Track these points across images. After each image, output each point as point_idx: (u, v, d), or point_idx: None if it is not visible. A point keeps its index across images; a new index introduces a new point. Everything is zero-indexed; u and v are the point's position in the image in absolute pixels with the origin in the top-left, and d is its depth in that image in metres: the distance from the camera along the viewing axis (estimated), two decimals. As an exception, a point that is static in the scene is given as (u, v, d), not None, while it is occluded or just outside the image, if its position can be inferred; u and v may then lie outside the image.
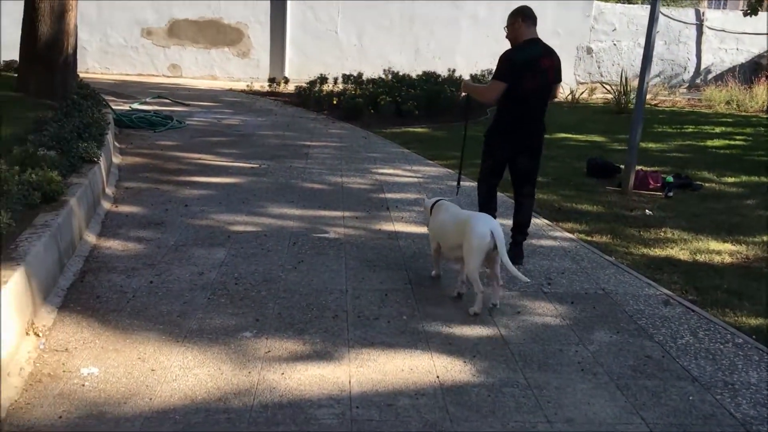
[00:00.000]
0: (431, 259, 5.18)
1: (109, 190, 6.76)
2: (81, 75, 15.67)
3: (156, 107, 12.01)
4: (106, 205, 6.34)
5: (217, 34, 16.10)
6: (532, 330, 4.37)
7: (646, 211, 7.20)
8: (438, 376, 3.73)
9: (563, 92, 15.13)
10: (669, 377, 3.86)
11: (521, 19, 5.30)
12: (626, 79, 14.45)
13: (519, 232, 5.56)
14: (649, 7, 17.89)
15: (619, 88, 14.32)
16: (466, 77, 14.64)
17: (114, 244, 5.43)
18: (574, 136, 11.33)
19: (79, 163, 6.02)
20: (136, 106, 11.92)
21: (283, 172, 8.05)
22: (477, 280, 4.42)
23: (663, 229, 6.63)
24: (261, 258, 5.32)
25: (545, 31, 16.16)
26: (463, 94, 5.72)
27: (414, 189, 7.67)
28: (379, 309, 4.52)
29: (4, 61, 13.01)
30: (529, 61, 5.16)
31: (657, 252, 6.00)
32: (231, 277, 4.90)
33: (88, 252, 5.19)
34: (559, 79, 5.40)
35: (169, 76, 16.05)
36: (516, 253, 5.39)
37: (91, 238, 5.45)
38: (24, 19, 9.46)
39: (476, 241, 4.35)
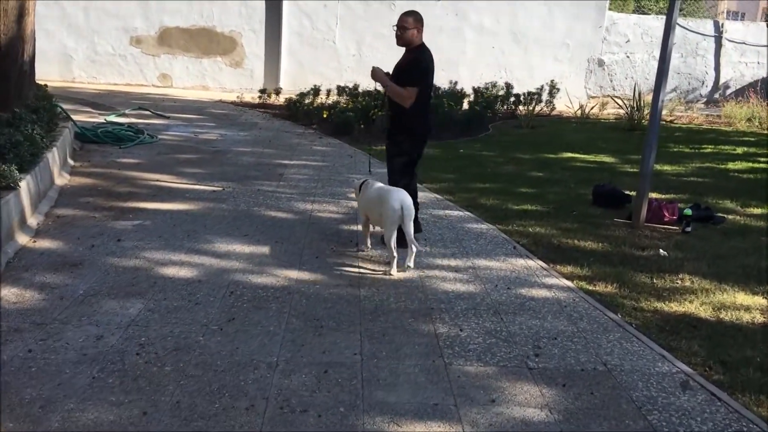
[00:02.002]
0: (360, 236, 5.63)
1: (33, 220, 5.74)
2: (67, 84, 14.85)
3: (134, 120, 11.05)
4: (22, 239, 5.31)
5: (210, 42, 15.14)
6: (507, 429, 3.26)
7: (660, 251, 6.06)
8: None
9: (572, 106, 14.01)
10: None
11: (421, 24, 5.50)
12: (640, 93, 13.30)
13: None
14: (664, 17, 16.74)
15: (631, 102, 13.16)
16: (469, 90, 13.58)
17: (7, 294, 4.39)
18: (582, 156, 10.19)
19: (-16, 191, 4.99)
20: (111, 118, 10.94)
21: (247, 197, 7.00)
22: (391, 246, 5.08)
23: (680, 276, 5.48)
24: (183, 314, 4.26)
25: (554, 43, 15.16)
26: (379, 85, 5.66)
27: (392, 219, 6.57)
28: (312, 395, 3.43)
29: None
30: (432, 68, 5.53)
31: (673, 307, 4.86)
32: (135, 344, 3.84)
33: (-32, 305, 4.16)
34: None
35: (158, 86, 15.11)
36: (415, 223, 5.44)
37: (-19, 285, 4.42)
38: (-25, 24, 8.52)
39: (389, 212, 5.01)
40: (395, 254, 5.10)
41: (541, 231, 6.45)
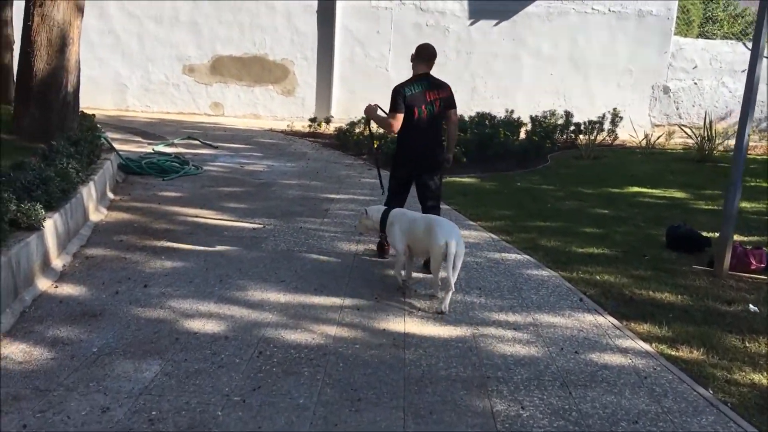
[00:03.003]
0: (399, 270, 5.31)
1: (59, 261, 5.33)
2: (121, 113, 14.76)
3: (182, 149, 10.75)
4: (43, 284, 4.89)
5: (262, 71, 14.87)
6: None
7: (750, 306, 5.27)
8: None
9: (635, 136, 13.17)
10: None
11: (414, 56, 5.86)
12: (710, 122, 12.37)
13: None
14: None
15: (701, 132, 12.24)
16: (526, 118, 12.89)
17: (15, 351, 3.93)
18: (650, 190, 9.38)
19: (1, 232, 4.58)
20: (159, 148, 10.67)
21: (288, 236, 6.49)
22: (438, 279, 5.00)
23: (777, 338, 4.70)
24: (204, 380, 3.72)
25: (616, 69, 14.27)
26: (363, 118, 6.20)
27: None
28: (342, 496, 2.83)
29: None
30: (414, 94, 5.64)
31: (773, 379, 4.10)
32: (143, 420, 3.31)
33: (-31, 365, 3.71)
34: (449, 107, 5.86)
35: (210, 115, 14.89)
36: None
37: (-12, 340, 3.98)
38: (20, 54, 8.34)
39: (437, 247, 4.82)
40: (440, 284, 4.99)
41: (610, 279, 5.73)
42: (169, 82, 14.84)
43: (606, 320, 4.85)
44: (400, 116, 5.61)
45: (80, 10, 8.26)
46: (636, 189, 9.40)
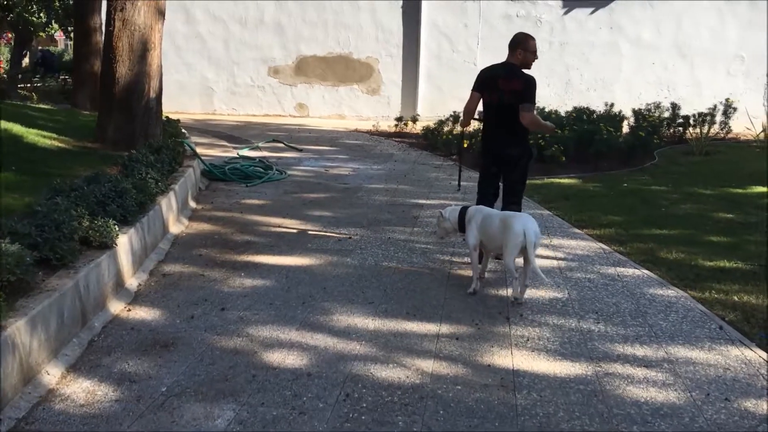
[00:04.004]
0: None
1: (134, 281, 4.94)
2: (208, 117, 14.64)
3: (267, 153, 10.41)
4: (115, 307, 4.49)
5: (346, 70, 14.44)
6: None
7: None
8: None
9: (752, 128, 11.88)
10: None
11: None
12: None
13: None
14: None
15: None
16: (627, 112, 11.84)
17: (78, 391, 3.50)
18: (777, 190, 8.26)
19: (70, 253, 4.19)
20: (244, 152, 10.36)
21: (376, 248, 5.91)
22: (511, 268, 4.72)
23: None
24: (283, 429, 3.17)
25: (726, 55, 12.93)
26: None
27: (552, 279, 5.21)
28: None
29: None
30: (488, 78, 5.49)
31: None
32: (211, 484, 2.78)
33: (27, 409, 3.29)
34: (519, 100, 5.32)
35: (295, 116, 14.59)
36: None
37: (51, 376, 3.57)
38: (102, 60, 8.13)
39: (512, 237, 4.61)
40: (516, 274, 4.78)
41: (751, 300, 4.83)
42: (254, 84, 14.63)
43: (756, 355, 4.00)
44: (475, 95, 5.59)
45: (161, 13, 7.96)
46: (761, 189, 8.29)
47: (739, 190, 8.24)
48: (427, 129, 11.23)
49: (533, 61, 5.49)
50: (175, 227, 6.32)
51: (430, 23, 14.03)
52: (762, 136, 11.53)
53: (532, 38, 5.49)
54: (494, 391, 3.56)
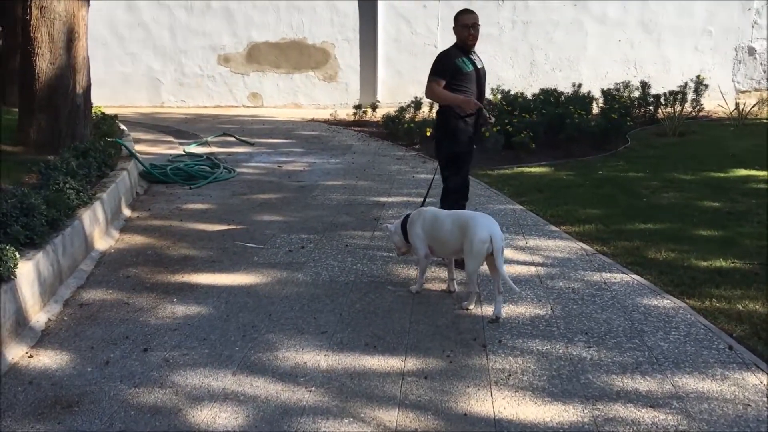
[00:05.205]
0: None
1: (42, 315, 4.13)
2: (155, 110, 13.61)
3: (216, 148, 9.55)
4: (14, 353, 3.68)
5: (300, 56, 13.55)
6: None
7: None
8: None
9: (725, 105, 11.35)
10: None
11: None
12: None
13: None
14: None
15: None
16: (596, 92, 11.22)
17: (-58, 481, 2.70)
18: (760, 173, 7.68)
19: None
20: (191, 148, 9.48)
21: (332, 259, 5.17)
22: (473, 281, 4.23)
23: None
24: None
25: (693, 30, 12.20)
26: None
27: (531, 292, 4.53)
28: None
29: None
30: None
31: None
32: None
33: None
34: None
35: (248, 107, 13.67)
36: None
37: None
38: (21, 54, 7.20)
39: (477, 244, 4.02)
40: (478, 289, 4.30)
41: (757, 308, 4.21)
42: (203, 74, 13.67)
43: (774, 389, 3.36)
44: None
45: (85, -1, 7.04)
46: (743, 172, 7.73)
47: (721, 174, 7.65)
48: (387, 117, 10.45)
49: (470, 36, 4.86)
50: (103, 242, 5.48)
51: (387, 4, 13.19)
52: (735, 113, 11.00)
53: (467, 11, 4.92)
54: (473, 451, 2.86)
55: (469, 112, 4.89)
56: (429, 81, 4.94)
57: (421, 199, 5.35)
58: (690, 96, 11.24)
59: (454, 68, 4.83)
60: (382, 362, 3.62)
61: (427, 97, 5.14)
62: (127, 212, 6.43)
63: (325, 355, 3.69)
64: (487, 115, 5.35)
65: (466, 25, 4.83)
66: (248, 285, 4.70)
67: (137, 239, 5.73)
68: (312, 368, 3.56)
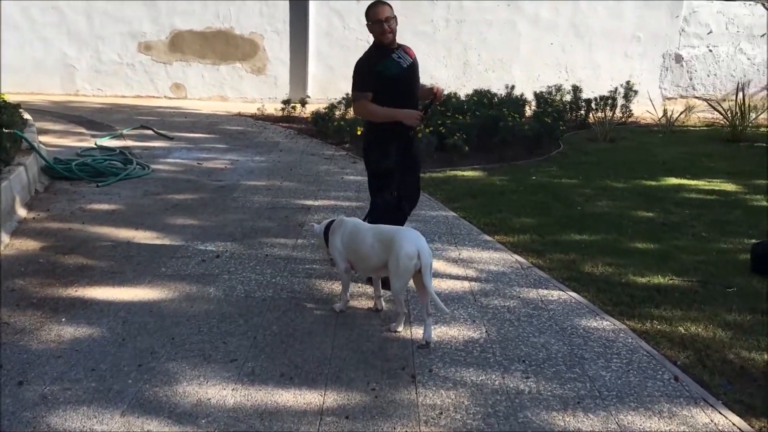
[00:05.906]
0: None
1: None
2: (69, 99, 12.62)
3: (132, 142, 8.85)
4: None
5: (227, 46, 12.87)
6: None
7: None
8: None
9: (654, 112, 11.38)
10: None
11: None
12: (744, 95, 10.58)
13: None
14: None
15: (731, 106, 10.47)
16: (529, 95, 11.06)
17: None
18: (692, 182, 7.60)
19: None
20: (103, 141, 8.74)
21: (249, 272, 4.67)
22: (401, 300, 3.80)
23: None
24: None
25: (623, 36, 12.09)
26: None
27: (465, 311, 4.16)
28: None
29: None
30: None
31: None
32: None
33: None
34: None
35: (171, 98, 12.91)
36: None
37: None
38: None
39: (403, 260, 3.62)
40: (405, 309, 3.92)
41: (700, 332, 3.96)
42: (122, 62, 12.81)
43: (728, 422, 3.08)
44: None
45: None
46: (675, 181, 7.62)
47: (653, 183, 7.52)
48: (317, 114, 9.94)
49: (386, 31, 4.16)
50: (-13, 249, 4.82)
51: (319, -2, 12.68)
52: (663, 120, 11.02)
53: (377, 4, 4.18)
54: None
55: (411, 125, 4.22)
56: (354, 99, 4.29)
57: (349, 204, 4.88)
58: (620, 101, 11.22)
59: (376, 76, 4.16)
60: (298, 397, 3.16)
61: (359, 116, 4.52)
62: (22, 213, 5.74)
63: (233, 390, 3.21)
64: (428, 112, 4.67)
65: (378, 20, 4.12)
66: (152, 301, 4.15)
67: (30, 245, 5.08)
68: (216, 406, 3.07)
